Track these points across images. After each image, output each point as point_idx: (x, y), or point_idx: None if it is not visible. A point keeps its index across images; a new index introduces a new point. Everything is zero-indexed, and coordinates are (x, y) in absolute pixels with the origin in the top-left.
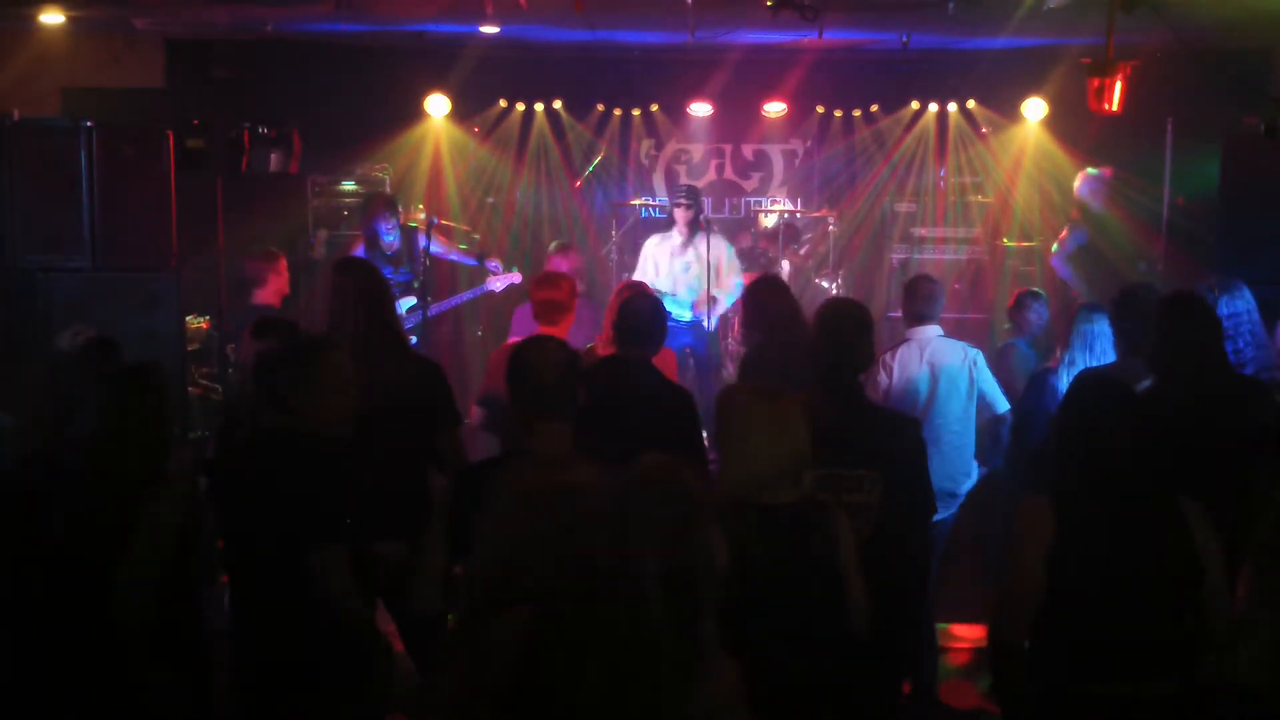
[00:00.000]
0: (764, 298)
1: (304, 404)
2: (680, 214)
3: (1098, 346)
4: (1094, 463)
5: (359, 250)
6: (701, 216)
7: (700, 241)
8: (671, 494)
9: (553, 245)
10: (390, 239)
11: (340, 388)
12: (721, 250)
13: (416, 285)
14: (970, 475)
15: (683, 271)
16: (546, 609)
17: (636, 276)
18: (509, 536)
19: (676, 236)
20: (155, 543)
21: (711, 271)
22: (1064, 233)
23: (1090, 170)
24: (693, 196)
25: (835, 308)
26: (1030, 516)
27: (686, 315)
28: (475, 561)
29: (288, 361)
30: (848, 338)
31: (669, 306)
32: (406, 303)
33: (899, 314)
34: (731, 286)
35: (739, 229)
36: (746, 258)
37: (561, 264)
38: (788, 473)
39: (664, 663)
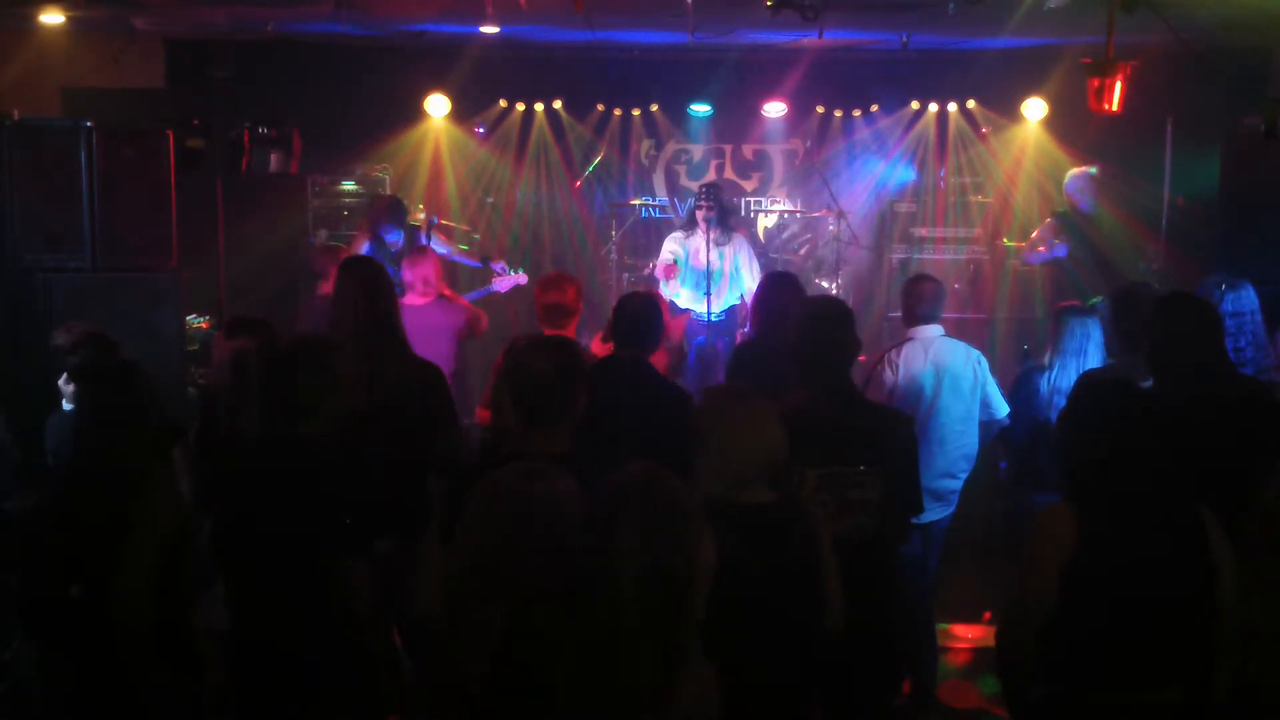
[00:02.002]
0: (769, 294)
1: (320, 407)
2: (700, 214)
3: (1089, 349)
4: (1117, 470)
5: (365, 248)
6: (729, 216)
7: (724, 240)
8: (657, 500)
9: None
10: (394, 239)
11: (348, 389)
12: (743, 250)
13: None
14: (968, 473)
15: (707, 270)
16: (520, 609)
17: (658, 271)
18: (477, 538)
19: (699, 236)
20: (148, 543)
21: (737, 271)
22: (1044, 237)
23: (1078, 169)
24: (712, 196)
25: (813, 307)
26: (1051, 524)
27: (708, 313)
28: (451, 561)
29: (306, 363)
30: (831, 335)
31: (691, 305)
32: None
33: (899, 313)
34: (753, 286)
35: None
36: None
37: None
38: (761, 473)
39: (641, 665)
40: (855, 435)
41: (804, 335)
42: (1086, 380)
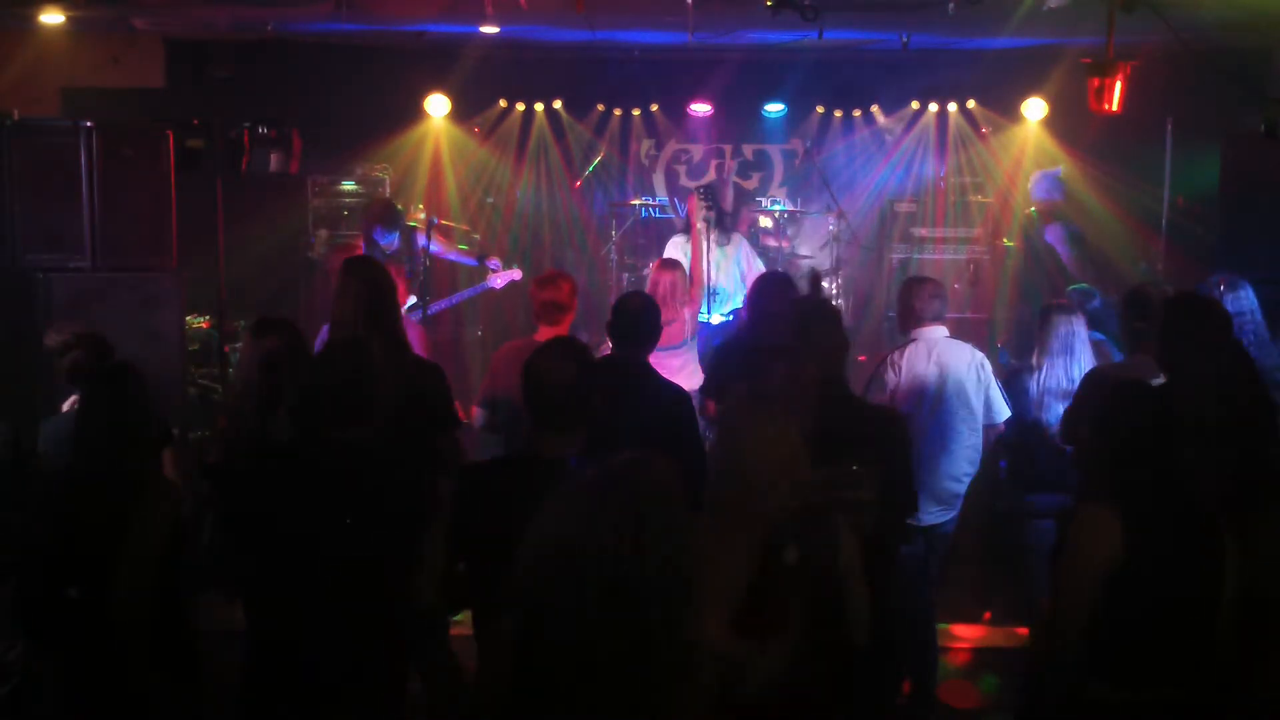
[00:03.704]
0: (763, 292)
1: (368, 409)
2: (700, 215)
3: (1076, 346)
4: (1160, 471)
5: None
6: (726, 217)
7: (724, 240)
8: (640, 489)
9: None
10: (387, 242)
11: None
12: (742, 248)
13: (416, 284)
14: (972, 476)
15: (714, 271)
16: (534, 609)
17: None
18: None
19: (699, 238)
20: (147, 543)
21: (740, 271)
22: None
23: (1044, 171)
24: (711, 195)
25: (803, 308)
26: (1095, 526)
27: (718, 316)
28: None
29: (360, 371)
30: (823, 335)
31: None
32: (406, 302)
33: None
34: None
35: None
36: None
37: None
38: (779, 482)
39: (649, 659)
40: (849, 435)
41: (796, 337)
42: (1101, 380)
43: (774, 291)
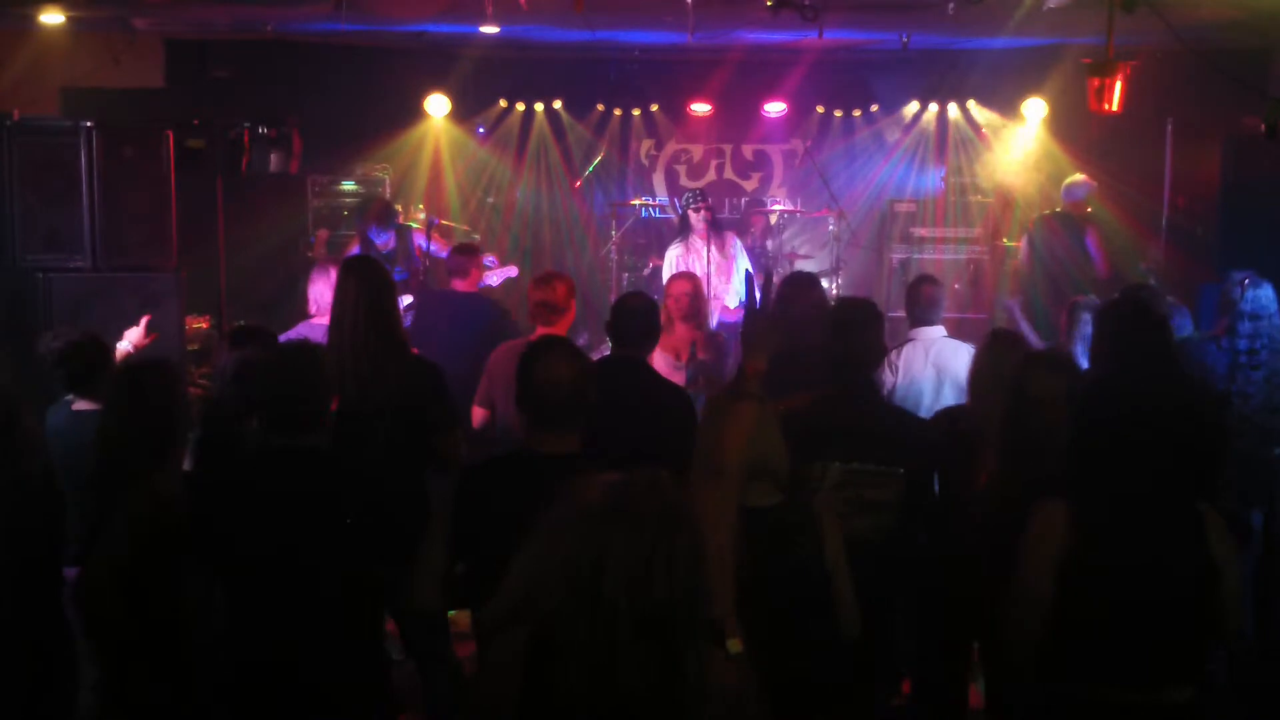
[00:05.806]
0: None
1: (316, 416)
2: (699, 217)
3: None
4: (1108, 465)
5: (355, 249)
6: (716, 216)
7: (718, 242)
8: (647, 518)
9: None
10: (383, 241)
11: (333, 392)
12: (739, 247)
13: (412, 284)
14: None
15: (715, 274)
16: (540, 627)
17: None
18: (545, 558)
19: (698, 241)
20: (120, 538)
21: (738, 270)
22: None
23: (1083, 178)
24: (706, 198)
25: (848, 306)
26: (1045, 519)
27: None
28: (508, 578)
29: (294, 374)
30: (861, 335)
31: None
32: (402, 301)
33: (898, 313)
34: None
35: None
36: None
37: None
38: (761, 476)
39: (647, 684)
40: (879, 435)
41: (839, 334)
42: (1097, 383)
43: (799, 293)
